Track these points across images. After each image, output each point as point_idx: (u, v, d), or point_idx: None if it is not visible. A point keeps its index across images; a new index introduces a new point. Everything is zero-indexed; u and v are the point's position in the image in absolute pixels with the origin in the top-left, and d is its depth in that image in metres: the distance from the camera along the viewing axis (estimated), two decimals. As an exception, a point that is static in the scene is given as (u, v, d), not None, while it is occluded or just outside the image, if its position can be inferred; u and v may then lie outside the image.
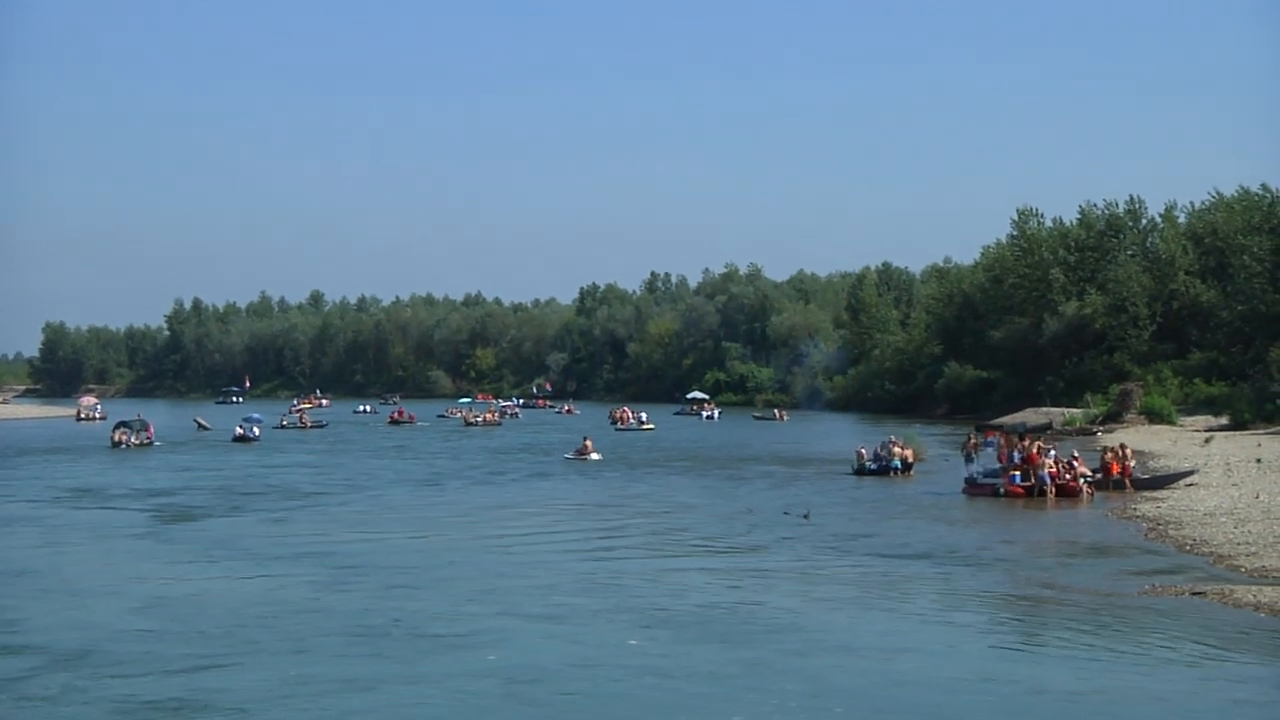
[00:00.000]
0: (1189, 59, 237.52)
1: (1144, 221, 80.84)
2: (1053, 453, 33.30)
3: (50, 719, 12.70)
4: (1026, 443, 33.35)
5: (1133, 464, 33.75)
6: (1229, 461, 37.25)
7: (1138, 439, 48.44)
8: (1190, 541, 23.10)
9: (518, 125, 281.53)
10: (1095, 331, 73.85)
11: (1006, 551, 23.42)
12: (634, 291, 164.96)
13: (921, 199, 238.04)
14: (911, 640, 15.88)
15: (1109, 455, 33.77)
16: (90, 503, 33.94)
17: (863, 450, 40.71)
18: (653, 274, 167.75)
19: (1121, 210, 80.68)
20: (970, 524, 27.57)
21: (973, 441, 34.70)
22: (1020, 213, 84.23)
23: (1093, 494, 31.60)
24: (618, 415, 78.47)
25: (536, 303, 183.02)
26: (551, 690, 13.54)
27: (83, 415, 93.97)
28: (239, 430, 63.17)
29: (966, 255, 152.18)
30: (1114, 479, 32.55)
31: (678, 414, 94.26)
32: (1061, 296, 76.85)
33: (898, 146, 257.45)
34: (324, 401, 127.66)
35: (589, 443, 49.95)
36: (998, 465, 32.73)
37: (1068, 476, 31.83)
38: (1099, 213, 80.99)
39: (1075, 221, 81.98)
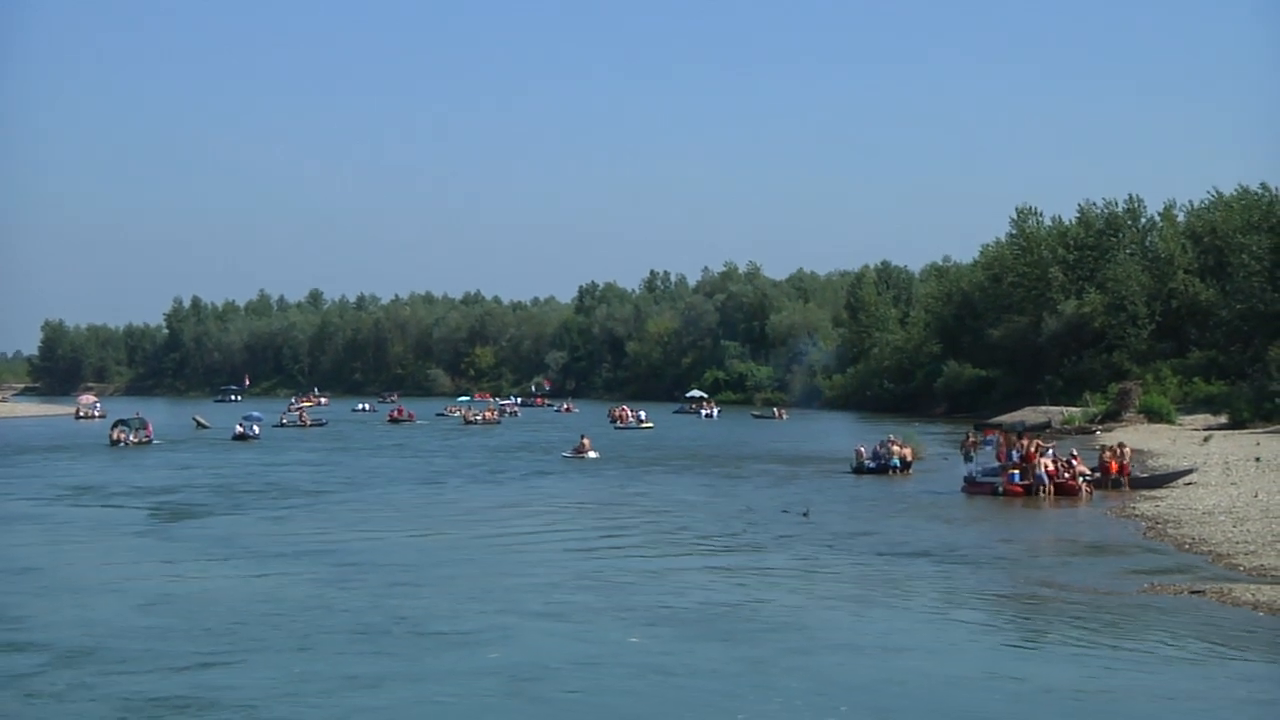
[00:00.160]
0: (1188, 58, 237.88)
1: (1143, 220, 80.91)
2: (1051, 451, 33.34)
3: (58, 716, 12.77)
4: (1025, 442, 33.40)
5: (1130, 463, 33.74)
6: (1228, 460, 37.30)
7: (1137, 438, 48.49)
8: (1189, 540, 23.15)
9: (517, 124, 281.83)
10: (1094, 330, 73.89)
11: (1006, 550, 23.47)
12: (633, 290, 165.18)
13: (920, 198, 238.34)
14: (913, 638, 15.94)
15: (1107, 454, 33.82)
16: (91, 500, 33.98)
17: (862, 449, 40.76)
18: (652, 272, 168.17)
19: (1120, 209, 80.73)
20: (969, 522, 27.62)
21: (971, 440, 34.75)
22: (1019, 211, 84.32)
23: (1091, 493, 31.65)
24: (617, 414, 78.49)
25: (536, 301, 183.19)
26: (555, 688, 13.59)
27: (82, 413, 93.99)
28: (239, 428, 63.20)
29: (965, 254, 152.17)
30: (1112, 478, 32.59)
31: (677, 412, 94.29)
32: (1060, 295, 76.87)
33: (897, 145, 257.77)
34: (323, 400, 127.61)
35: (586, 441, 50.01)
36: (996, 464, 32.78)
37: (1066, 475, 31.87)
38: (1098, 211, 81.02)
39: (1074, 220, 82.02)
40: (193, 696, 13.27)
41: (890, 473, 38.62)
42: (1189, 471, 33.83)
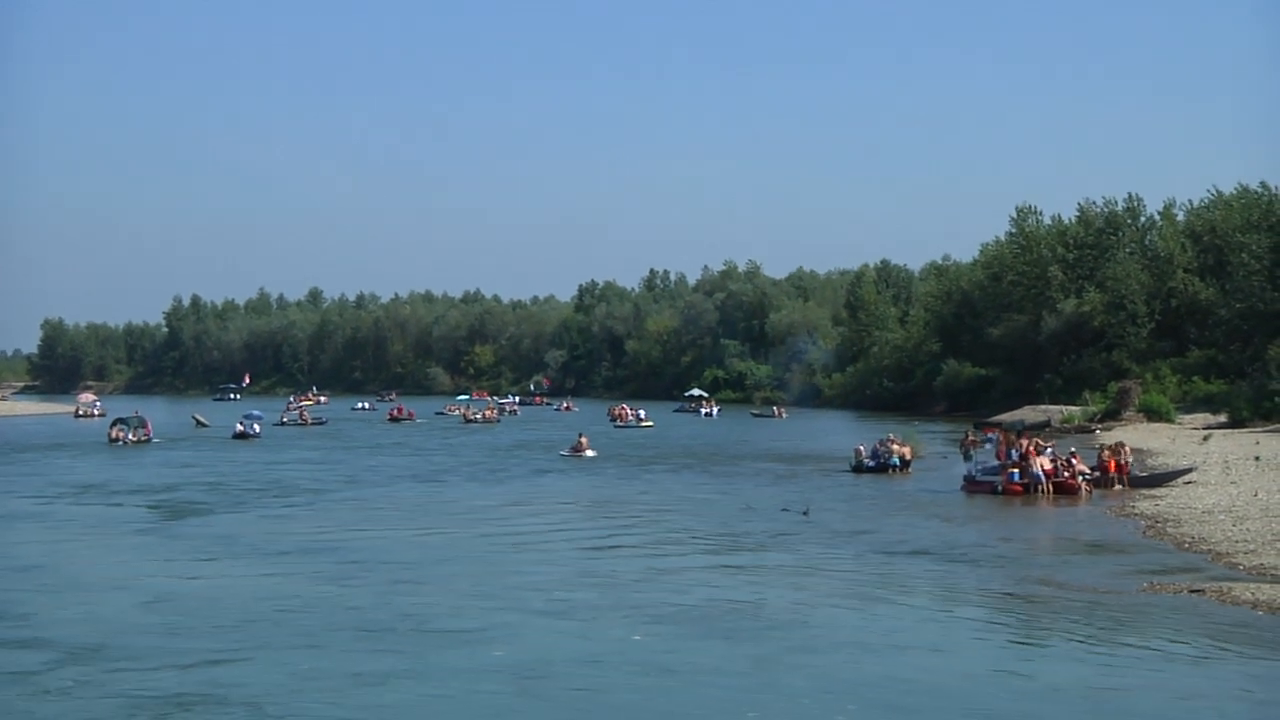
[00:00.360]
0: (1189, 57, 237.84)
1: (1143, 219, 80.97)
2: (1050, 450, 33.38)
3: (66, 713, 12.83)
4: (1024, 441, 33.45)
5: (1127, 461, 33.70)
6: (1227, 459, 37.35)
7: (1136, 437, 48.54)
8: (1189, 539, 23.20)
9: (517, 123, 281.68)
10: (1094, 329, 73.94)
11: (1006, 549, 23.54)
12: (633, 289, 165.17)
13: (920, 197, 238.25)
14: (916, 636, 16.01)
15: (1107, 453, 33.86)
16: (93, 499, 34.02)
17: (861, 447, 40.81)
18: (651, 271, 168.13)
19: (1120, 208, 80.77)
20: (969, 521, 27.67)
21: (971, 439, 34.82)
22: (1019, 210, 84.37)
23: (1091, 492, 31.69)
24: (616, 412, 78.55)
25: (535, 300, 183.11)
26: (562, 686, 13.65)
27: (81, 412, 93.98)
28: (239, 427, 63.21)
29: (965, 253, 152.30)
30: (1110, 477, 32.63)
31: (677, 411, 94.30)
32: (1060, 294, 76.91)
33: (897, 144, 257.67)
34: (322, 399, 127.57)
35: (584, 439, 50.07)
36: (996, 463, 32.82)
37: (1066, 474, 31.92)
38: (1098, 210, 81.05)
39: (1074, 219, 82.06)
40: (200, 694, 13.34)
41: (890, 471, 38.67)
42: (1188, 470, 33.88)
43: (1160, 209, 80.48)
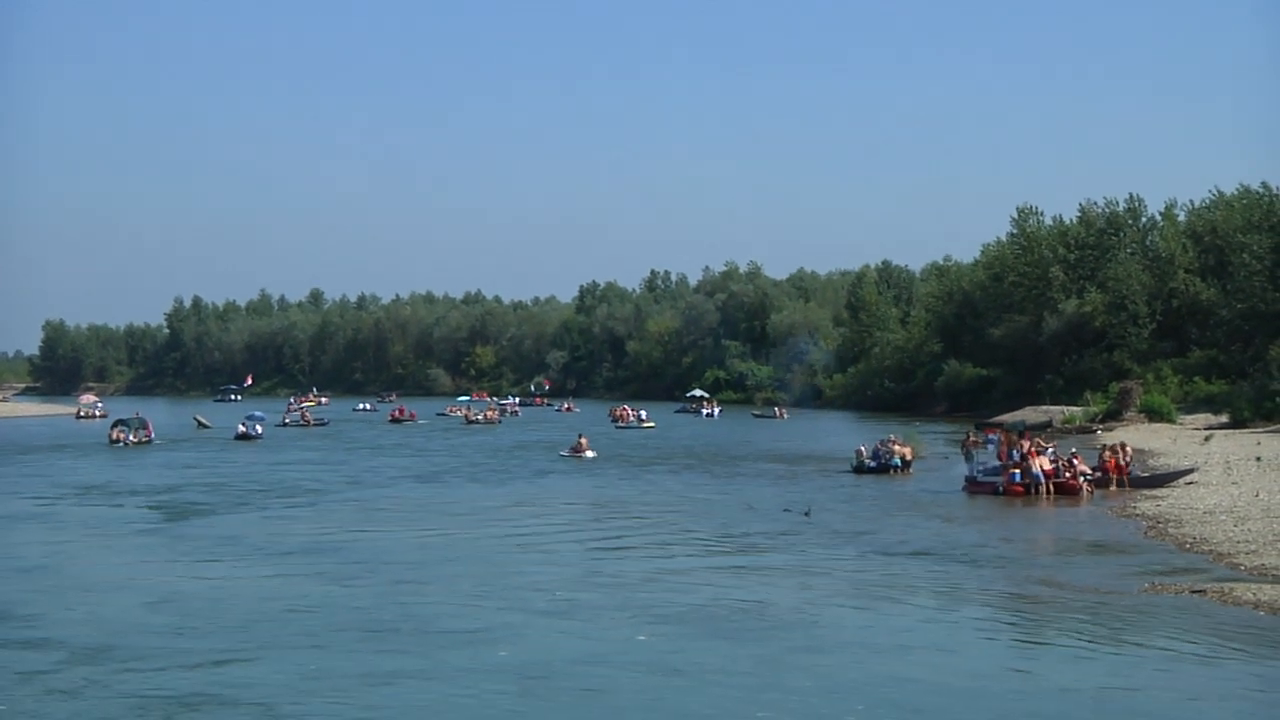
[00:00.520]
0: (1190, 57, 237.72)
1: (1144, 220, 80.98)
2: (1051, 451, 33.41)
3: (77, 713, 12.89)
4: (1025, 442, 33.47)
5: (1126, 462, 33.70)
6: (1229, 460, 37.38)
7: (1137, 437, 48.58)
8: (1190, 540, 23.23)
9: (518, 123, 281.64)
10: (1095, 329, 73.98)
11: (1007, 549, 23.58)
12: (634, 289, 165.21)
13: (921, 197, 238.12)
14: (921, 637, 16.05)
15: (1108, 454, 33.89)
16: (96, 500, 34.08)
17: (862, 448, 40.84)
18: (652, 272, 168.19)
19: (1121, 208, 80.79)
20: (970, 522, 27.71)
21: (972, 439, 34.81)
22: (1020, 211, 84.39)
23: (1092, 492, 31.73)
24: (618, 413, 78.63)
25: (536, 300, 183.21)
26: (567, 686, 13.70)
27: (82, 413, 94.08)
28: (241, 428, 63.27)
29: (966, 253, 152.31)
30: (1114, 477, 32.66)
31: (678, 412, 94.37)
32: (1061, 294, 76.94)
33: (897, 145, 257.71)
34: (323, 400, 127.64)
35: (584, 440, 50.14)
36: (997, 463, 32.85)
37: (1067, 475, 31.95)
38: (1099, 211, 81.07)
39: (1075, 220, 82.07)
40: (208, 694, 13.41)
41: (891, 472, 38.71)
42: (1190, 471, 33.91)
43: (1161, 209, 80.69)
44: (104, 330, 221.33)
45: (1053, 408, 65.73)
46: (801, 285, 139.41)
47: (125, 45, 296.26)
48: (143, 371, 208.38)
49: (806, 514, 28.57)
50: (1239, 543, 22.18)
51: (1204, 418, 56.50)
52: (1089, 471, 32.56)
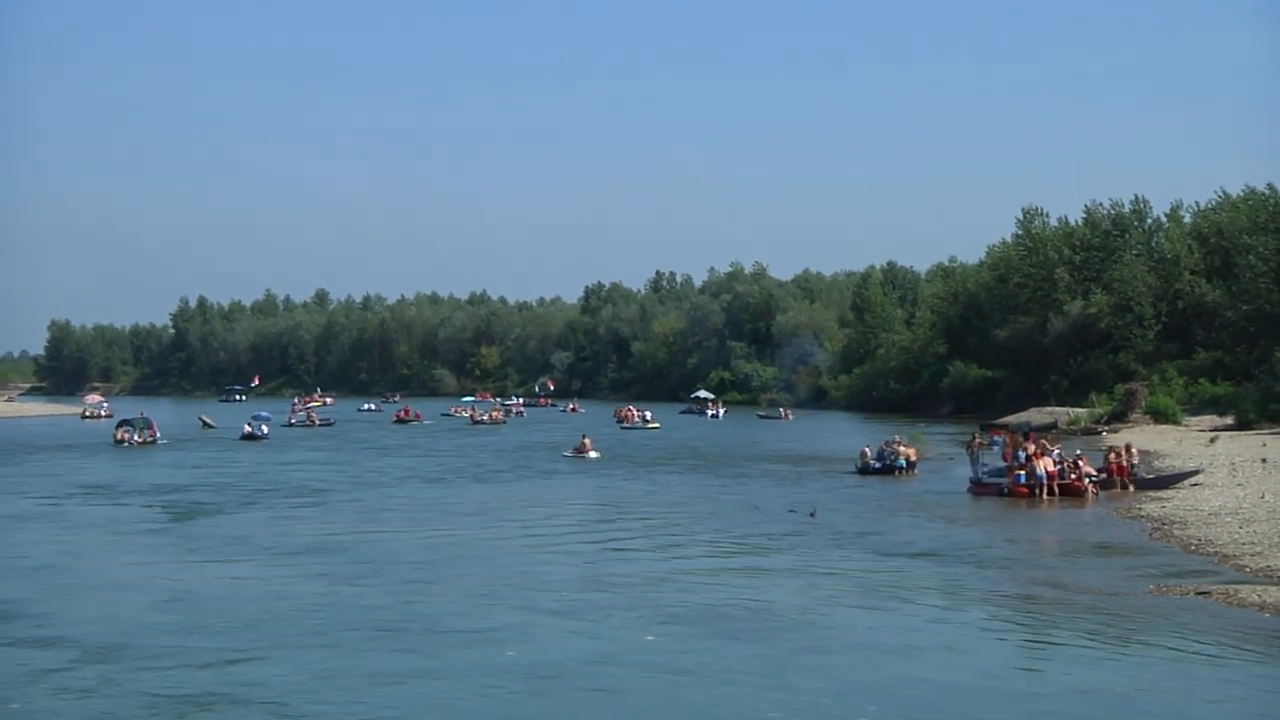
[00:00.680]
0: (1194, 58, 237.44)
1: (1149, 221, 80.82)
2: (1055, 452, 33.43)
3: (88, 712, 12.97)
4: (1031, 443, 33.50)
5: (1129, 463, 33.66)
6: (1234, 461, 37.37)
7: (1143, 438, 48.53)
8: (1195, 541, 23.25)
9: (523, 124, 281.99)
10: (1100, 331, 73.93)
11: (1013, 551, 23.62)
12: (639, 290, 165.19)
13: (926, 198, 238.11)
14: (928, 638, 16.09)
15: (1113, 455, 33.90)
16: (103, 500, 34.20)
17: (867, 449, 40.87)
18: (658, 273, 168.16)
19: (1127, 210, 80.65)
20: (975, 523, 27.76)
21: (977, 441, 34.83)
22: (1025, 212, 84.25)
23: (1097, 493, 31.75)
24: (623, 414, 78.73)
25: (541, 301, 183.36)
26: (576, 686, 13.75)
27: (88, 413, 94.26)
28: (247, 428, 63.40)
29: (972, 254, 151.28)
30: (1119, 479, 32.68)
31: (683, 413, 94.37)
32: (1066, 296, 76.87)
33: (903, 146, 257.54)
34: (327, 400, 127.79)
35: (587, 441, 50.22)
36: (1002, 464, 32.88)
37: (1073, 476, 31.98)
38: (1104, 212, 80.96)
39: (1081, 221, 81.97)
40: (219, 693, 13.48)
41: (896, 473, 38.74)
42: (1195, 472, 33.90)
43: (1167, 211, 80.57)
44: (109, 330, 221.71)
45: (1058, 409, 65.67)
46: (806, 286, 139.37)
47: (126, 45, 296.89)
48: (148, 371, 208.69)
49: (812, 515, 28.64)
50: (1244, 545, 22.20)
51: (1209, 419, 56.44)
52: (1094, 473, 32.59)
